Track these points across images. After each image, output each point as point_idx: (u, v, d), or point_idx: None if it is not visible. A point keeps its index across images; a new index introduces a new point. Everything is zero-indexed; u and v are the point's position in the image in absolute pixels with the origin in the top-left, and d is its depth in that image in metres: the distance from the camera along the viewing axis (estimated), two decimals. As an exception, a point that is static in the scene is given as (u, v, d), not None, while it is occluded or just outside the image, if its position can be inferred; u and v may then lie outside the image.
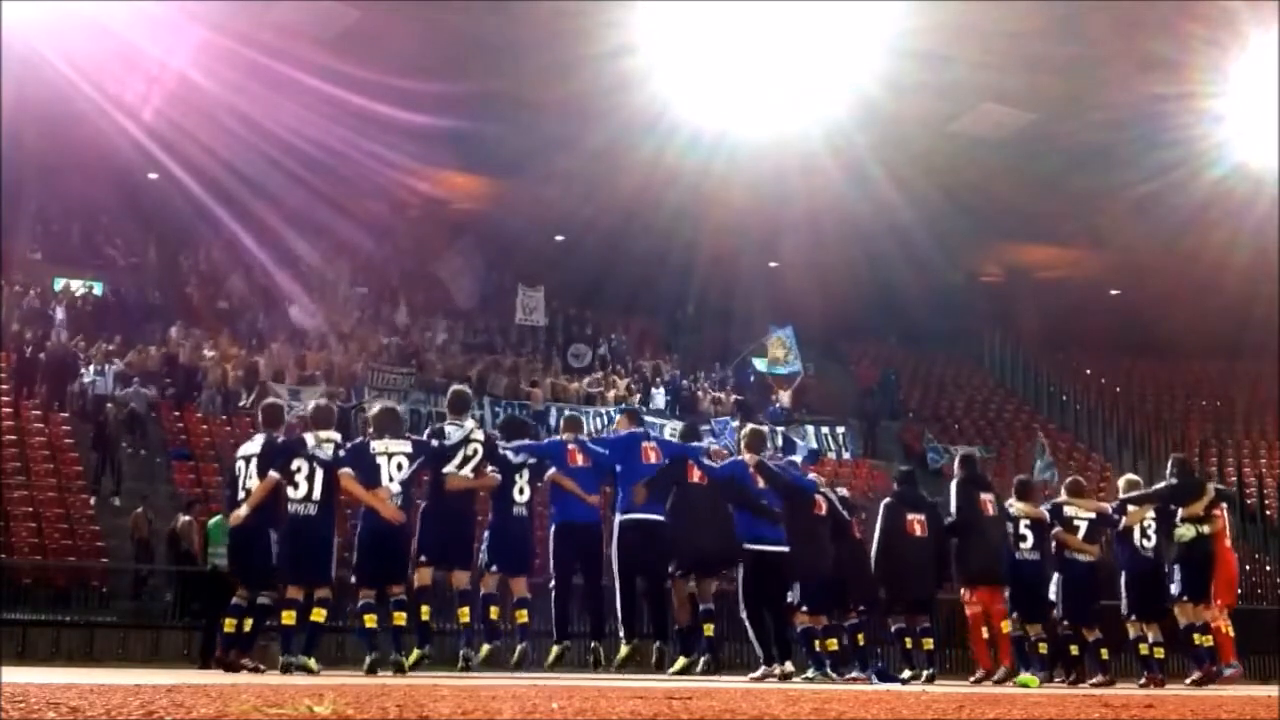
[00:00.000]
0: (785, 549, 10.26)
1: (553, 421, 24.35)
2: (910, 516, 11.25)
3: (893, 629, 11.59)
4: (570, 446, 10.22)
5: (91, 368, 22.51)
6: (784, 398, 28.60)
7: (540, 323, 30.11)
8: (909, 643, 11.46)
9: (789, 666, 10.03)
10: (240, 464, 9.47)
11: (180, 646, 16.41)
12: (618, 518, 10.13)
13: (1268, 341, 27.93)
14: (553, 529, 10.18)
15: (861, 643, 11.53)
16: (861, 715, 4.39)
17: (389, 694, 4.63)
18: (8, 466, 18.68)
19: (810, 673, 10.64)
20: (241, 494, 9.34)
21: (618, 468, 10.27)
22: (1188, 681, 11.30)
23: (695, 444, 10.75)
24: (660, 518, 10.02)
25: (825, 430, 28.04)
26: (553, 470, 10.03)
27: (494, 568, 9.86)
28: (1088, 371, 34.54)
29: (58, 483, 19.81)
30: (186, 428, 22.36)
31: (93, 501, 19.80)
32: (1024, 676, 10.67)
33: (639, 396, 27.58)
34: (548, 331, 30.56)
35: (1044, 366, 34.35)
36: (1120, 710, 4.71)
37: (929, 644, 11.47)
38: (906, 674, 11.21)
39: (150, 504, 19.02)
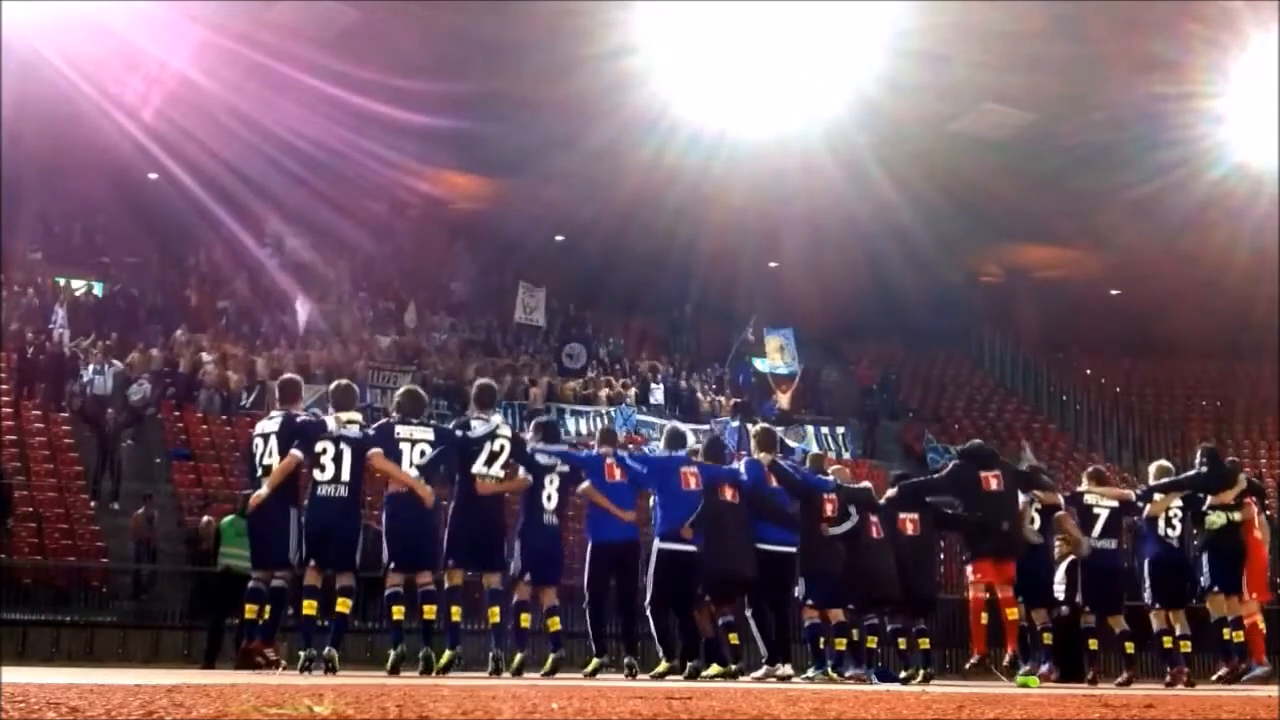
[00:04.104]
0: (791, 549, 10.29)
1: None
2: (903, 516, 11.27)
3: (888, 629, 11.60)
4: (608, 461, 10.11)
5: (91, 368, 22.50)
6: (783, 400, 28.60)
7: (540, 323, 30.08)
8: (903, 643, 11.48)
9: (788, 669, 10.05)
10: (258, 441, 9.29)
11: (180, 646, 16.44)
12: (657, 544, 10.05)
13: (1268, 341, 27.94)
14: (589, 548, 10.10)
15: (871, 643, 11.48)
16: (861, 715, 4.39)
17: (389, 694, 4.63)
18: (8, 466, 18.69)
19: (811, 671, 10.66)
20: (259, 471, 9.18)
21: (655, 489, 10.20)
22: (1214, 678, 11.19)
23: (729, 467, 10.71)
24: (696, 549, 10.02)
25: (825, 430, 28.04)
26: (586, 484, 9.97)
27: (528, 577, 9.81)
28: (1088, 371, 34.52)
29: (58, 483, 19.81)
30: (186, 428, 22.36)
31: (93, 502, 19.81)
32: (1024, 676, 10.65)
33: (634, 394, 27.60)
34: (546, 331, 30.56)
35: (1044, 366, 34.34)
36: (1120, 710, 4.71)
37: (925, 644, 11.45)
38: (904, 673, 11.23)
39: (153, 504, 19.01)
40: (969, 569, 11.10)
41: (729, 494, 10.14)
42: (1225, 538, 11.13)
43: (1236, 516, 11.17)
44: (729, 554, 9.98)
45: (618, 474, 10.06)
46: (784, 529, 10.35)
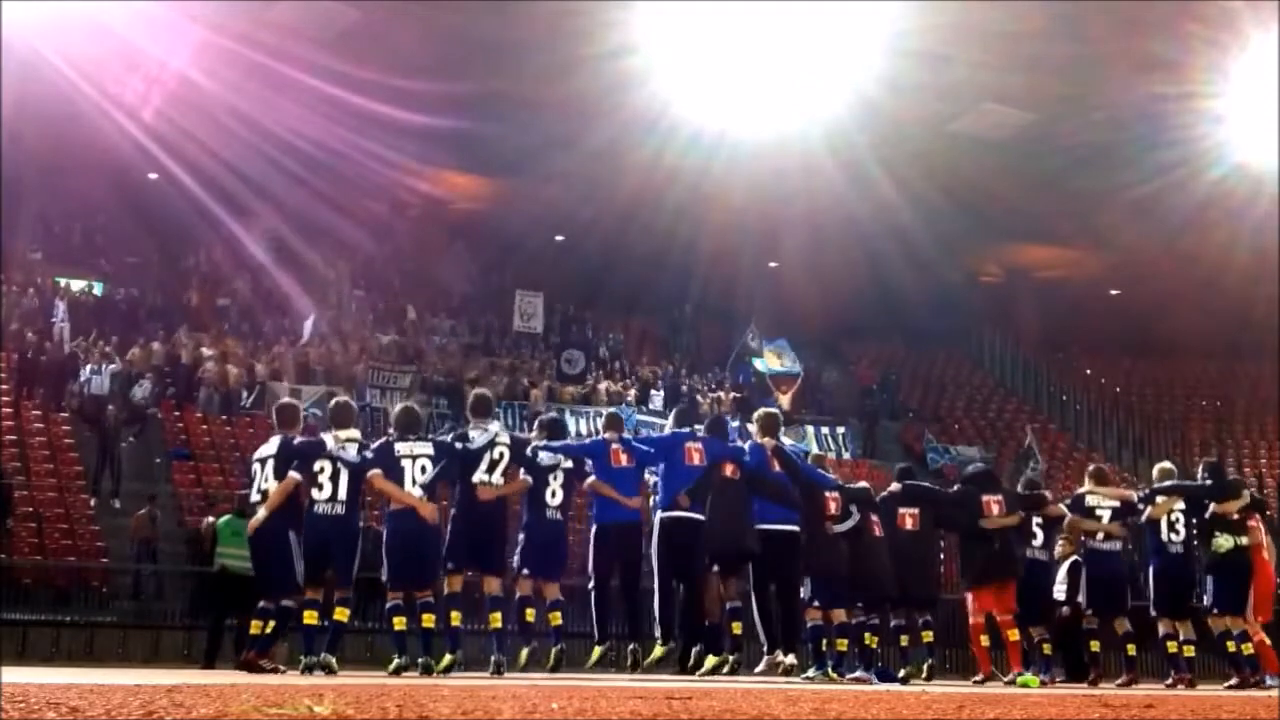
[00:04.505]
0: (794, 528, 10.27)
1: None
2: (903, 511, 11.26)
3: (892, 625, 11.60)
4: (614, 446, 10.15)
5: (88, 367, 22.50)
6: (783, 400, 28.60)
7: (538, 329, 30.12)
8: (905, 640, 11.45)
9: (791, 659, 10.02)
10: (256, 466, 9.35)
11: (180, 647, 16.44)
12: (658, 514, 10.10)
13: (1268, 341, 27.94)
14: (593, 530, 10.17)
15: (873, 644, 11.48)
16: (861, 715, 4.38)
17: (389, 694, 4.63)
18: (8, 466, 18.71)
19: (811, 671, 10.65)
20: (256, 496, 9.22)
21: (661, 466, 10.24)
22: (1224, 687, 11.14)
23: (734, 445, 10.81)
24: (701, 516, 10.00)
25: (825, 430, 28.05)
26: (592, 478, 10.03)
27: (526, 571, 9.84)
28: (1088, 371, 34.55)
29: (58, 483, 19.81)
30: (186, 428, 22.37)
31: (93, 502, 19.80)
32: (1024, 676, 10.65)
33: (633, 394, 27.60)
34: (545, 332, 30.59)
35: (1044, 366, 34.36)
36: (1120, 710, 4.70)
37: (928, 636, 11.43)
38: (903, 671, 11.21)
39: (157, 505, 19.02)
40: (969, 597, 11.18)
41: (729, 470, 10.17)
42: (1231, 561, 11.01)
43: (1244, 540, 11.04)
44: (730, 527, 10.00)
45: (624, 459, 10.09)
46: (785, 507, 10.31)
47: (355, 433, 9.40)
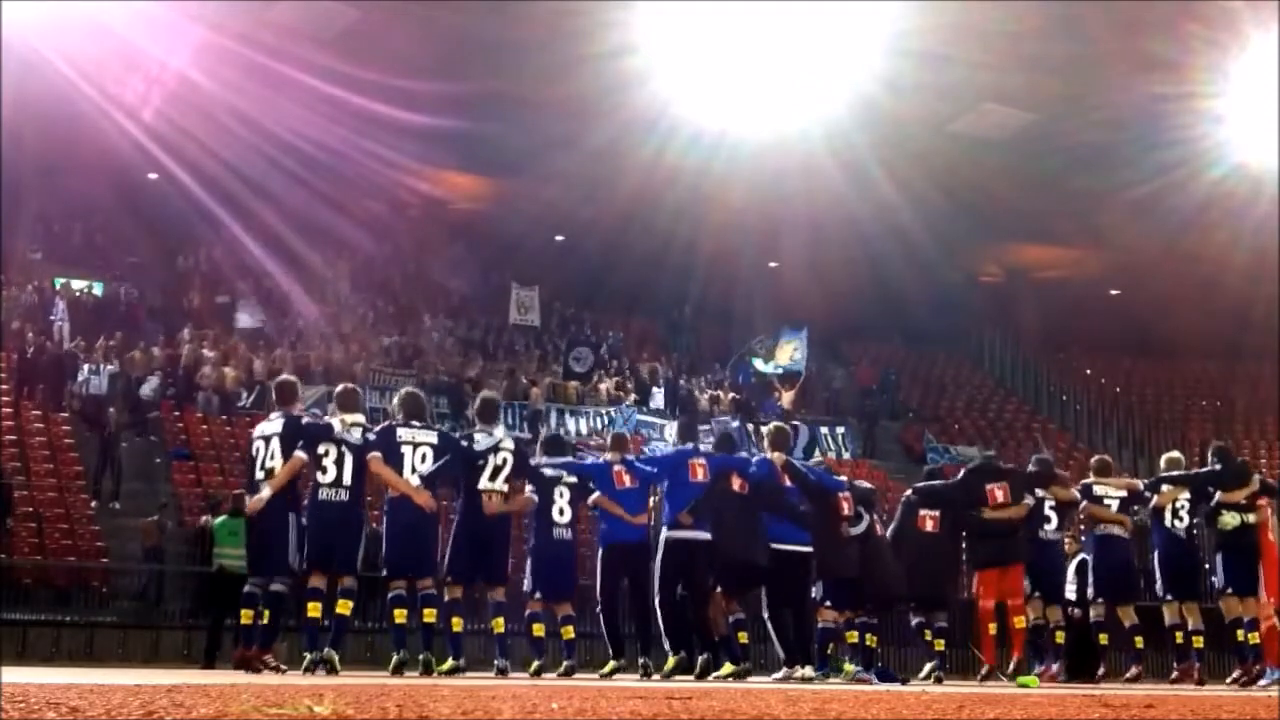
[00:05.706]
0: (808, 549, 10.25)
1: (552, 422, 24.42)
2: (923, 513, 11.24)
3: (913, 623, 11.58)
4: (617, 468, 10.12)
5: (86, 367, 22.47)
6: (786, 398, 28.62)
7: (535, 322, 30.12)
8: (928, 635, 11.42)
9: (809, 670, 10.02)
10: (259, 444, 9.11)
11: (180, 646, 16.45)
12: (665, 533, 10.03)
13: (1268, 342, 27.94)
14: (601, 549, 10.15)
15: (873, 644, 11.48)
16: (861, 715, 4.38)
17: (389, 694, 4.62)
18: (8, 466, 18.69)
19: (811, 672, 10.65)
20: (260, 474, 9.00)
21: (665, 484, 10.22)
22: (1228, 681, 11.12)
23: (738, 455, 10.76)
24: (706, 536, 9.92)
25: (825, 430, 28.05)
26: (597, 494, 10.00)
27: (538, 595, 9.86)
28: (1088, 371, 34.54)
29: (58, 483, 19.80)
30: (186, 428, 22.37)
31: (93, 502, 19.80)
32: (1025, 677, 10.64)
33: (633, 395, 27.59)
34: (545, 331, 30.58)
35: (1044, 366, 34.36)
36: (1120, 710, 4.70)
37: (940, 645, 11.41)
38: (927, 668, 11.20)
39: (166, 515, 18.99)
40: (975, 580, 11.16)
41: (736, 484, 10.11)
42: (1239, 539, 10.99)
43: (1250, 518, 11.01)
44: (738, 542, 9.93)
45: (627, 480, 10.07)
46: (795, 526, 10.26)
47: (360, 417, 9.30)
